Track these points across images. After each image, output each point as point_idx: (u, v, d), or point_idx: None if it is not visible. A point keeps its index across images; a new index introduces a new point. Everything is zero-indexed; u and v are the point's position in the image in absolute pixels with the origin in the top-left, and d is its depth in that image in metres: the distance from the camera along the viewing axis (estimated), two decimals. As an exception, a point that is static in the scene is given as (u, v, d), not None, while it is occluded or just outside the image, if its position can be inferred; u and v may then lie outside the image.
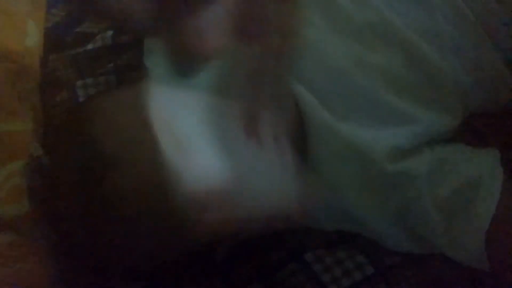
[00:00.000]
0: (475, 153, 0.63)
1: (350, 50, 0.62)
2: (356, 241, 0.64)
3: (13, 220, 0.61)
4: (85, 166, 0.53)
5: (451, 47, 0.63)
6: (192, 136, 0.52)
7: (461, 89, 0.63)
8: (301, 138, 0.61)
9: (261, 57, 0.46)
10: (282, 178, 0.54)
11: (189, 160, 0.51)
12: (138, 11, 0.34)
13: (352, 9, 0.62)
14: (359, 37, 0.62)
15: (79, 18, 0.89)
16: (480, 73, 0.64)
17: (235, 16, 0.36)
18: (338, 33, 0.62)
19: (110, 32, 0.86)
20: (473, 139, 0.65)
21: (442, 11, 0.62)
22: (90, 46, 0.86)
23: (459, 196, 0.59)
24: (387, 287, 0.61)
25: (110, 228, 0.53)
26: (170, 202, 0.51)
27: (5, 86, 0.73)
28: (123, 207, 0.52)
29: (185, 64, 0.37)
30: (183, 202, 0.51)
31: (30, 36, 0.82)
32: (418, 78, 0.62)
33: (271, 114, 0.52)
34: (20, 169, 0.65)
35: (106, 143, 0.53)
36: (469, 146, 0.63)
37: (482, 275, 0.59)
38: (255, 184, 0.53)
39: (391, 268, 0.62)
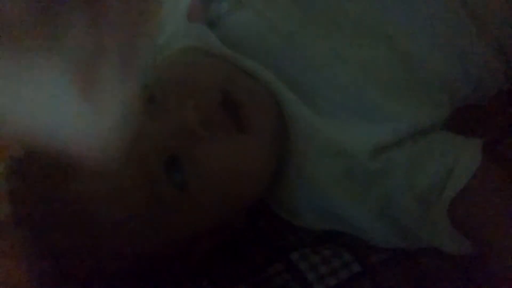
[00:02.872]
0: (456, 140, 0.61)
1: (331, 45, 0.60)
2: (342, 239, 0.63)
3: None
4: (51, 164, 0.53)
5: (436, 40, 0.61)
6: None
7: (447, 83, 0.62)
8: (282, 135, 0.60)
9: None
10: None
11: None
12: None
13: (333, 3, 0.61)
14: (340, 32, 0.61)
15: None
16: (468, 65, 0.63)
17: None
18: (318, 28, 0.61)
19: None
20: (461, 134, 0.63)
21: (426, 3, 0.61)
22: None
23: (436, 183, 0.58)
24: (374, 284, 0.60)
25: (80, 231, 0.54)
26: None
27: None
28: (88, 210, 0.53)
29: None
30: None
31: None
32: (402, 73, 0.61)
33: None
34: (0, 171, 0.65)
35: None
36: (452, 133, 0.62)
37: (472, 270, 0.58)
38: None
39: (378, 265, 0.61)
